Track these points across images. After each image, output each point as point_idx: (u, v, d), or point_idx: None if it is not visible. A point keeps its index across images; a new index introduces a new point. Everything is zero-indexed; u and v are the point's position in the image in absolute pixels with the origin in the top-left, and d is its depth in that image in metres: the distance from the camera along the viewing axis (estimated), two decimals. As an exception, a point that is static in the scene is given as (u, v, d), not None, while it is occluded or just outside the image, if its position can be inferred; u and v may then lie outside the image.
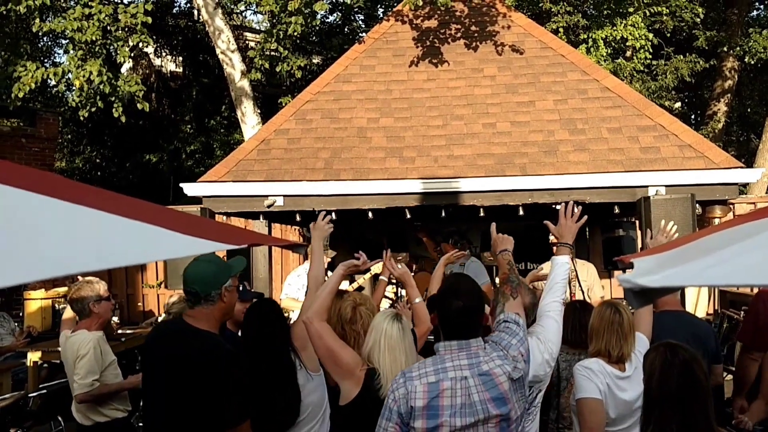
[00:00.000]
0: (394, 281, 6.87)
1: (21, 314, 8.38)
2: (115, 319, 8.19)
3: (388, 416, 2.17)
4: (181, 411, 2.49)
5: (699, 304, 8.00)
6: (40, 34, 8.72)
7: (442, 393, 2.10)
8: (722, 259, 1.02)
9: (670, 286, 1.05)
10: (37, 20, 7.98)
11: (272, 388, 2.72)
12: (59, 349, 4.15)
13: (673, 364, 2.15)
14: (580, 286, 5.42)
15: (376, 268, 5.58)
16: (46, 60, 14.32)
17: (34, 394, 5.62)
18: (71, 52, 8.21)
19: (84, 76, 7.75)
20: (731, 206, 7.00)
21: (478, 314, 2.27)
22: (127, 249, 1.04)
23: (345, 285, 5.97)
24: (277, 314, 2.97)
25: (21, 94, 7.93)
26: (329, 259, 5.95)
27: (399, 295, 6.64)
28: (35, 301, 8.13)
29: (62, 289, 8.86)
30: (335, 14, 14.89)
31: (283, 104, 9.66)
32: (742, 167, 5.29)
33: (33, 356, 5.74)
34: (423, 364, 2.25)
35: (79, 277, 4.04)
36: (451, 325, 2.25)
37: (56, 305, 8.21)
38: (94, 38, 7.72)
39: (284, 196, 5.66)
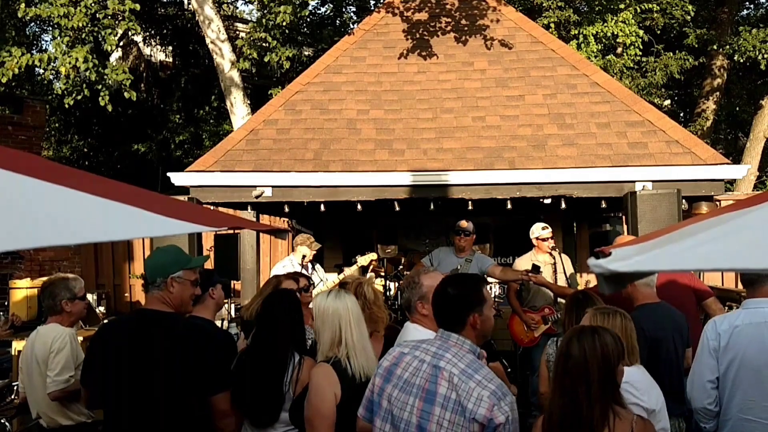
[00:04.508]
0: (382, 274, 6.88)
1: (6, 303, 8.31)
2: (102, 308, 8.15)
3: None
4: (155, 390, 2.53)
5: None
6: (25, 19, 8.60)
7: (400, 363, 2.23)
8: (689, 247, 1.05)
9: (638, 270, 1.07)
10: (23, 5, 7.88)
11: (259, 386, 2.70)
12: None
13: (568, 344, 2.22)
14: (566, 275, 5.47)
15: (363, 260, 5.59)
16: (33, 47, 14.14)
17: (19, 383, 5.57)
18: (57, 38, 8.11)
19: (70, 63, 7.66)
20: (717, 203, 7.04)
21: (464, 305, 2.21)
22: (102, 226, 1.03)
23: (333, 276, 5.96)
24: (286, 314, 2.88)
25: (4, 80, 7.84)
26: (314, 252, 5.94)
27: (387, 287, 6.64)
28: (20, 291, 8.06)
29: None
30: (326, 6, 14.83)
31: (273, 95, 9.61)
32: (728, 163, 5.34)
33: (18, 345, 5.70)
34: (414, 341, 2.34)
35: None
36: (436, 311, 2.29)
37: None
38: (80, 25, 7.63)
39: (273, 186, 5.64)
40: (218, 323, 4.02)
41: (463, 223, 5.36)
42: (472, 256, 5.44)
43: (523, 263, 5.57)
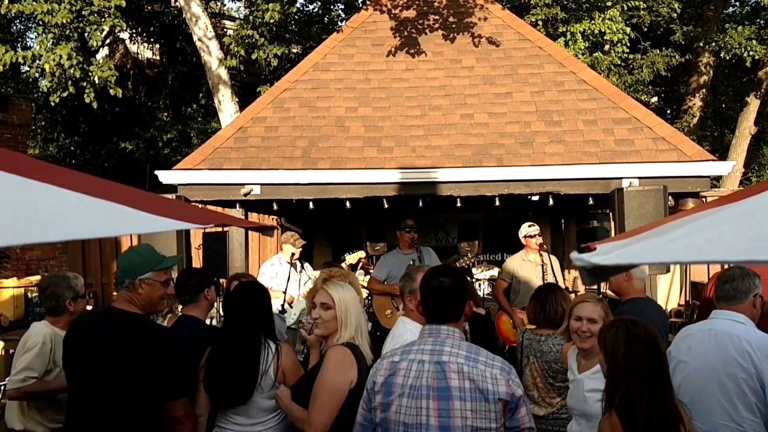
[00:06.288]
0: (371, 271, 6.88)
1: (-8, 303, 8.23)
2: (89, 308, 8.09)
3: (363, 394, 2.28)
4: (114, 389, 2.54)
5: (671, 296, 8.16)
6: (9, 16, 8.50)
7: (398, 371, 2.17)
8: (667, 241, 1.08)
9: (619, 264, 1.10)
10: (6, 1, 7.79)
11: (234, 364, 2.77)
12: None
13: (638, 337, 2.14)
14: (554, 275, 5.49)
15: (352, 258, 5.60)
16: (18, 44, 13.98)
17: (5, 383, 5.53)
18: (42, 35, 8.03)
19: (54, 61, 7.59)
20: (703, 199, 7.13)
21: (456, 295, 2.20)
22: (88, 223, 1.03)
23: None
24: (259, 302, 2.98)
25: (-11, 77, 7.76)
26: (300, 249, 5.92)
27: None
28: (7, 290, 8.00)
29: (35, 278, 8.72)
30: (314, 3, 14.80)
31: (262, 93, 9.58)
32: (713, 160, 5.38)
33: (5, 346, 5.66)
34: (400, 347, 2.31)
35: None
36: (426, 304, 2.24)
37: (29, 294, 8.08)
38: (65, 21, 7.55)
39: (261, 184, 5.62)
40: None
41: (410, 222, 5.54)
42: (420, 249, 5.54)
43: (513, 263, 5.63)
